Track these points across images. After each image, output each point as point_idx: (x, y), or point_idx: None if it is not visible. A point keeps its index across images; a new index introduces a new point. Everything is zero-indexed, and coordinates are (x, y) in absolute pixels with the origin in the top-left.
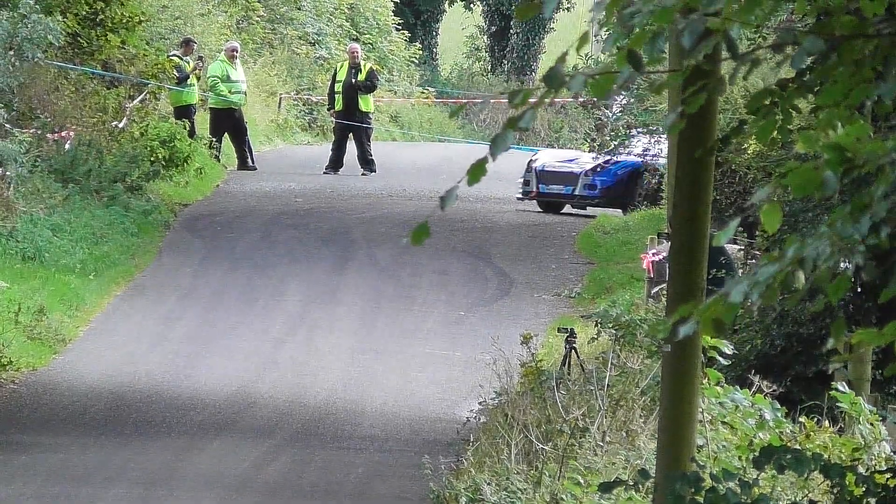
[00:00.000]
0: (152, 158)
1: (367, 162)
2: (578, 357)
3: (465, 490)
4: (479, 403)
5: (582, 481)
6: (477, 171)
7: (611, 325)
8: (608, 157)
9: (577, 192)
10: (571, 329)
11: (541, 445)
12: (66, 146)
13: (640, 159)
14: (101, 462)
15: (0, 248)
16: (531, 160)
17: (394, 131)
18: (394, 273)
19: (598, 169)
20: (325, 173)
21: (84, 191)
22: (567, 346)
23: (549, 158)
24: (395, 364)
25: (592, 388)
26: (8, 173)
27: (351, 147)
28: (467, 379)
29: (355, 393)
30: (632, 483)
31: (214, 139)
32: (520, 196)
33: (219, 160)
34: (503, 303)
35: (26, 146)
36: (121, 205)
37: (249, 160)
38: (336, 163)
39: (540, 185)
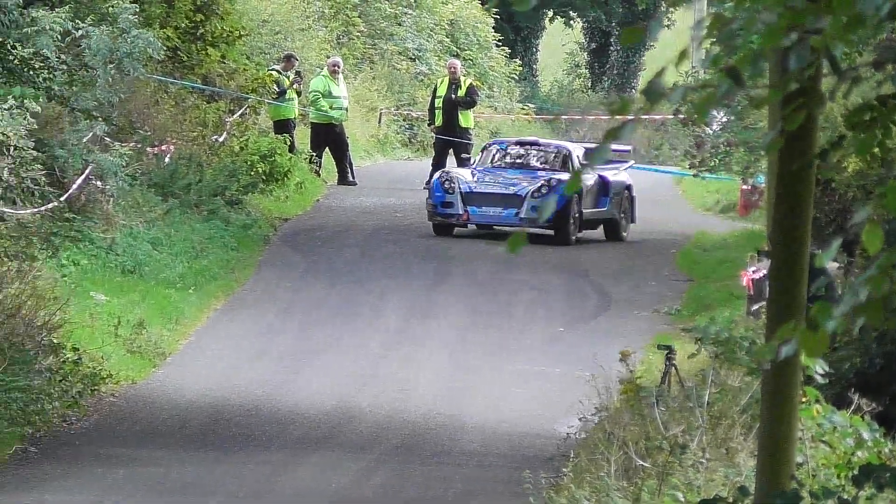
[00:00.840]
0: (252, 173)
1: None
2: (678, 374)
3: None
4: (579, 419)
5: (682, 498)
6: (573, 184)
7: (710, 343)
8: (548, 176)
9: (522, 216)
10: (670, 346)
11: (640, 462)
12: (166, 160)
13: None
14: (199, 476)
15: (100, 261)
16: (443, 177)
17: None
18: (492, 289)
19: (544, 190)
20: (424, 188)
21: (184, 204)
22: (666, 363)
23: (468, 176)
24: (494, 380)
25: (692, 404)
26: (108, 186)
27: (451, 162)
28: (566, 395)
29: (454, 408)
30: (731, 500)
31: (315, 154)
32: (439, 219)
33: (319, 175)
34: (602, 319)
35: (126, 160)
36: (220, 219)
37: (350, 175)
38: None
39: (470, 208)
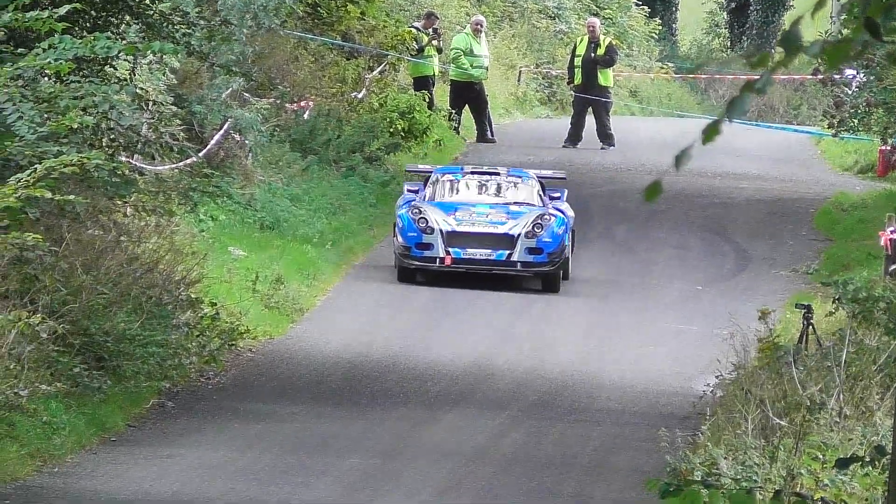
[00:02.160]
0: (391, 130)
1: (605, 136)
2: (815, 333)
3: (702, 464)
4: (716, 377)
5: (819, 457)
6: (712, 132)
7: (848, 302)
8: (540, 211)
9: (515, 259)
10: (809, 305)
11: (777, 421)
12: (305, 116)
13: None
14: (336, 432)
15: (238, 216)
16: (415, 214)
17: (632, 106)
18: (631, 247)
19: (539, 229)
20: (563, 147)
21: (322, 161)
22: (804, 322)
23: (441, 213)
24: (632, 338)
25: (829, 364)
26: (247, 142)
27: (590, 121)
28: (703, 353)
29: (592, 366)
30: (868, 459)
31: (454, 111)
32: (413, 265)
33: (458, 132)
34: (740, 278)
35: (265, 115)
36: (359, 175)
37: (489, 133)
38: (575, 137)
39: (454, 250)
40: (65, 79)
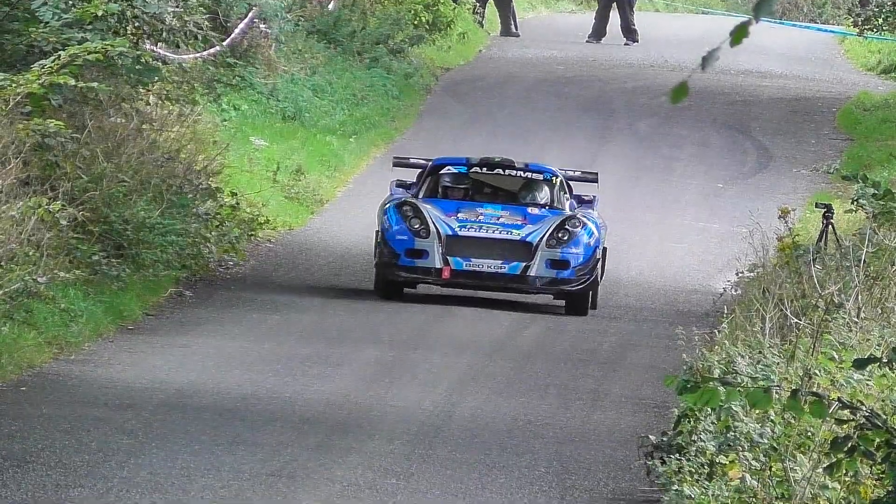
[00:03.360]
0: (415, 22)
1: (630, 32)
2: (835, 233)
3: (719, 362)
4: (735, 276)
5: (836, 357)
6: (740, 33)
7: (868, 202)
8: (567, 214)
9: (533, 273)
10: (829, 204)
11: (795, 320)
12: (330, 7)
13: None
14: (355, 324)
15: (261, 106)
16: (407, 212)
17: (657, 2)
18: (653, 144)
19: (565, 236)
20: (587, 42)
21: (346, 52)
22: (824, 222)
23: (441, 212)
24: (652, 234)
25: (848, 263)
26: (270, 31)
27: (614, 16)
28: (723, 251)
29: (611, 262)
30: (885, 360)
31: (478, 4)
32: (399, 277)
33: (482, 26)
34: (761, 176)
35: (289, 4)
36: (382, 67)
37: (513, 26)
38: (599, 32)
39: (455, 260)
40: None
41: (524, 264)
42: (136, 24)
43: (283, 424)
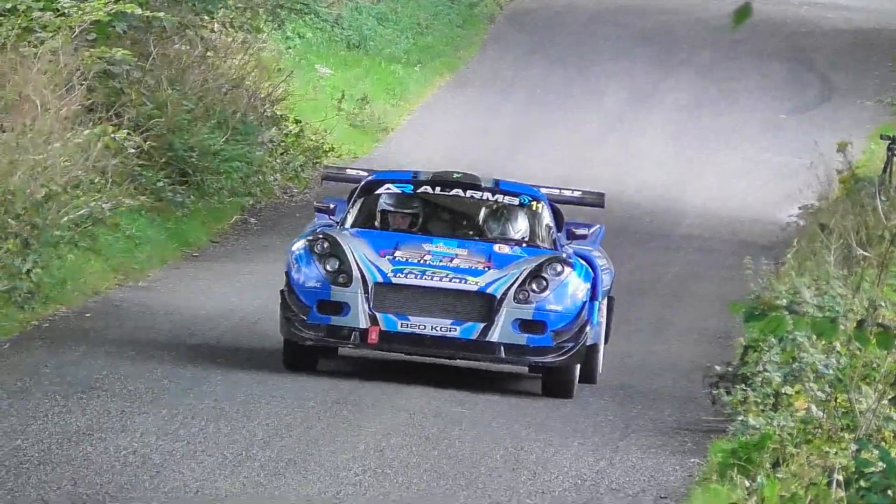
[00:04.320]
0: None
1: None
2: None
3: (786, 292)
4: (799, 208)
5: None
6: (741, 15)
7: None
8: (546, 256)
9: (495, 339)
10: (893, 136)
11: (860, 252)
12: None
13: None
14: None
15: (325, 34)
16: (320, 247)
17: None
18: (715, 75)
19: (542, 286)
20: None
21: None
22: (888, 154)
23: (368, 250)
24: (715, 165)
25: None
26: None
27: None
28: (786, 183)
29: (674, 192)
30: None
31: None
32: (308, 338)
33: None
34: (824, 108)
35: None
36: None
37: None
38: None
39: (386, 318)
40: None
41: (483, 325)
42: None
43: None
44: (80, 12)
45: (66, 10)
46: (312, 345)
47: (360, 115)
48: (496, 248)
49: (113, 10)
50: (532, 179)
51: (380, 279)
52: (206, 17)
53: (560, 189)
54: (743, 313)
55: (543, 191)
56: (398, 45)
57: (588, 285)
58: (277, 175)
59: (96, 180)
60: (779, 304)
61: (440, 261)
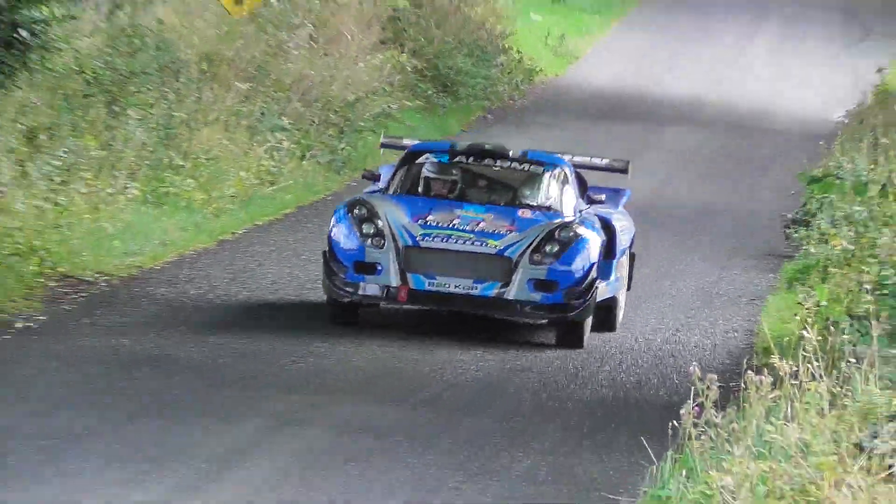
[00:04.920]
0: None
1: None
2: None
3: (835, 167)
4: (846, 110)
5: None
6: None
7: None
8: (559, 222)
9: (511, 296)
10: None
11: (884, 140)
12: None
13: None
14: (603, 138)
15: None
16: (359, 212)
17: None
18: (807, 18)
19: (552, 248)
20: None
21: None
22: None
23: (403, 215)
24: (798, 80)
25: None
26: None
27: None
28: (840, 93)
29: (768, 101)
30: None
31: None
32: (346, 295)
33: None
34: (868, 44)
35: None
36: None
37: None
38: None
39: (415, 277)
40: None
41: (501, 284)
42: None
43: None
44: None
45: None
46: (349, 301)
47: (560, 48)
48: (520, 213)
49: None
50: (678, 96)
51: (409, 242)
52: None
53: (590, 157)
54: (806, 179)
55: (574, 159)
56: (585, 1)
57: (598, 248)
58: (505, 87)
59: (386, 88)
60: (830, 173)
61: (467, 225)
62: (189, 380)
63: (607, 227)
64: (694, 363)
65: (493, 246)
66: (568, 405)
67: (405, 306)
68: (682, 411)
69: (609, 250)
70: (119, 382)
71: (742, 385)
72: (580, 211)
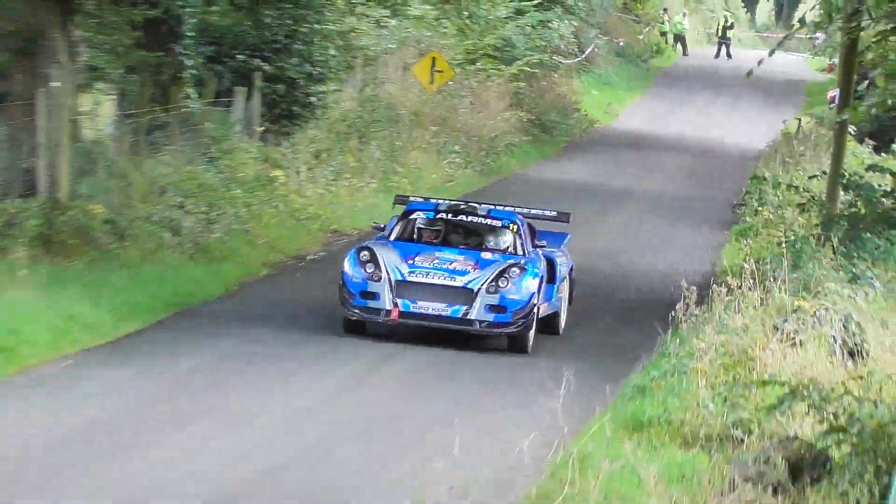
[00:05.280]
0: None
1: None
2: None
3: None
4: (766, 145)
5: None
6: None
7: None
8: (510, 262)
9: (473, 316)
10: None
11: (789, 159)
12: None
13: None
14: (628, 158)
15: (595, 79)
16: (364, 257)
17: None
18: (741, 93)
19: (503, 283)
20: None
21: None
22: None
23: (395, 257)
24: (733, 126)
25: None
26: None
27: None
28: (764, 131)
29: (716, 136)
30: None
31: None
32: (354, 315)
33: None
34: (777, 108)
35: None
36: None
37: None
38: None
39: (403, 302)
40: None
41: (465, 308)
42: None
43: None
44: (504, 70)
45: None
46: (357, 319)
47: (607, 109)
48: (483, 254)
49: (520, 67)
50: (672, 135)
51: (400, 277)
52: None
53: (542, 210)
54: (751, 177)
55: (531, 212)
56: (620, 84)
57: (538, 281)
58: (577, 130)
59: (512, 131)
60: (759, 175)
61: (444, 264)
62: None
63: (550, 262)
64: (682, 281)
65: (460, 280)
66: (612, 304)
67: (399, 320)
68: (676, 307)
69: (551, 278)
70: None
71: (710, 292)
72: (529, 252)
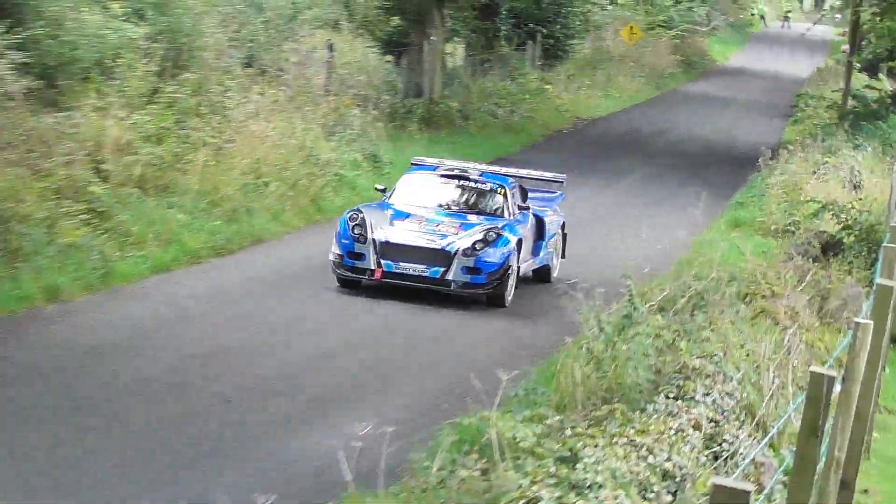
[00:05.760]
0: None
1: None
2: None
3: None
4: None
5: None
6: None
7: None
8: (488, 226)
9: (450, 277)
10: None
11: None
12: None
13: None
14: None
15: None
16: (353, 219)
17: None
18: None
19: (479, 246)
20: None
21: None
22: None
23: (384, 221)
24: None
25: None
26: None
27: None
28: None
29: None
30: None
31: None
32: (344, 273)
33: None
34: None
35: None
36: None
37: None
38: None
39: (385, 262)
40: None
41: (443, 269)
42: None
43: None
44: (668, 33)
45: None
46: (346, 278)
47: (724, 55)
48: (468, 217)
49: (677, 32)
50: (758, 69)
51: (382, 240)
52: None
53: (540, 174)
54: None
55: (531, 172)
56: (731, 42)
57: (514, 244)
58: (710, 64)
59: None
60: (803, 93)
61: (430, 226)
62: None
63: (539, 221)
64: (763, 147)
65: (439, 243)
66: (723, 158)
67: (382, 280)
68: (759, 160)
69: (540, 235)
70: None
71: (778, 152)
72: (514, 214)
